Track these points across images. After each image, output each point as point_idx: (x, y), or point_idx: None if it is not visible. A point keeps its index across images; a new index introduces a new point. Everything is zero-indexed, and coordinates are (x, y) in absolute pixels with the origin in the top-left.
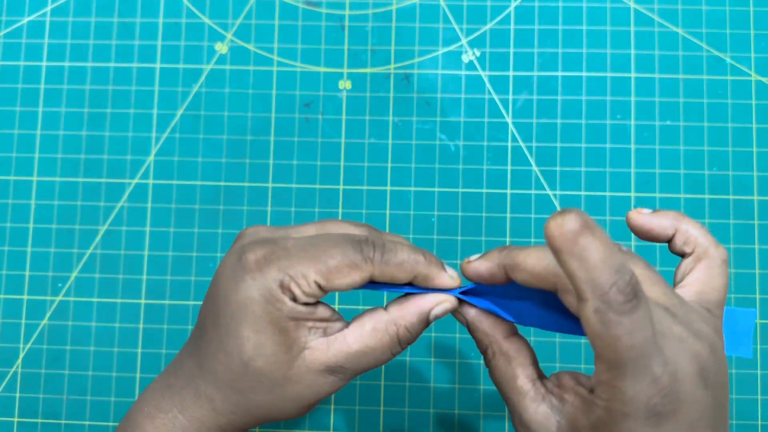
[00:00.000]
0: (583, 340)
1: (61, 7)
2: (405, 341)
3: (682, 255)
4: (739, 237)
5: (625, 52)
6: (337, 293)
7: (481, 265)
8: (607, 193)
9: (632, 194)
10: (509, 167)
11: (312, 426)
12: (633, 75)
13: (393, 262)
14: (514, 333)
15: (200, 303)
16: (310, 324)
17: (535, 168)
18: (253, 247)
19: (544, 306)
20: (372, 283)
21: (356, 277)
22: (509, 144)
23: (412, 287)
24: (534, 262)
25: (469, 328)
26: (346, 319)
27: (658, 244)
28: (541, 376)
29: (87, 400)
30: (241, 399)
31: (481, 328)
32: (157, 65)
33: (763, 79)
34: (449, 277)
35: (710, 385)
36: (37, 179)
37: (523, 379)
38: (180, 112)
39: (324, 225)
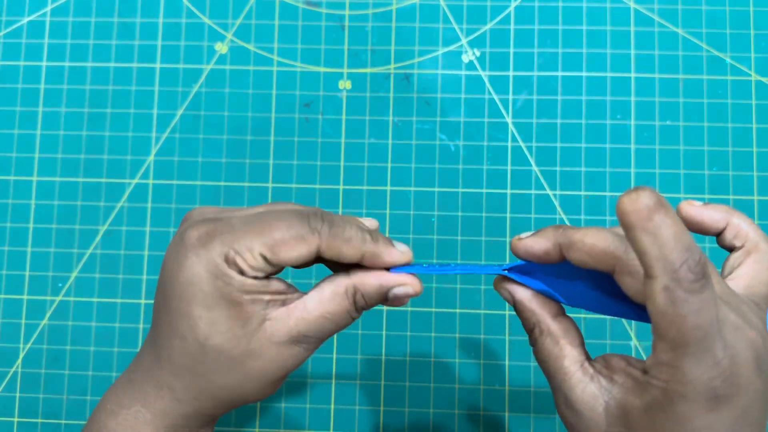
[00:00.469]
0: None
1: (61, 7)
2: (360, 307)
3: (731, 249)
4: None
5: (625, 52)
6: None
7: (536, 243)
8: (607, 193)
9: None
10: (509, 167)
11: (312, 426)
12: (633, 75)
13: (341, 236)
14: (561, 313)
15: None
16: (267, 297)
17: (535, 168)
18: (196, 225)
19: (595, 288)
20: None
21: (303, 249)
22: (509, 144)
23: (429, 268)
24: (593, 242)
25: (516, 306)
26: None
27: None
28: (587, 358)
29: (87, 400)
30: (203, 383)
31: (529, 306)
32: (157, 65)
33: (763, 79)
34: (400, 253)
35: (764, 373)
36: (37, 179)
37: (570, 359)
38: (180, 112)
39: (271, 205)
